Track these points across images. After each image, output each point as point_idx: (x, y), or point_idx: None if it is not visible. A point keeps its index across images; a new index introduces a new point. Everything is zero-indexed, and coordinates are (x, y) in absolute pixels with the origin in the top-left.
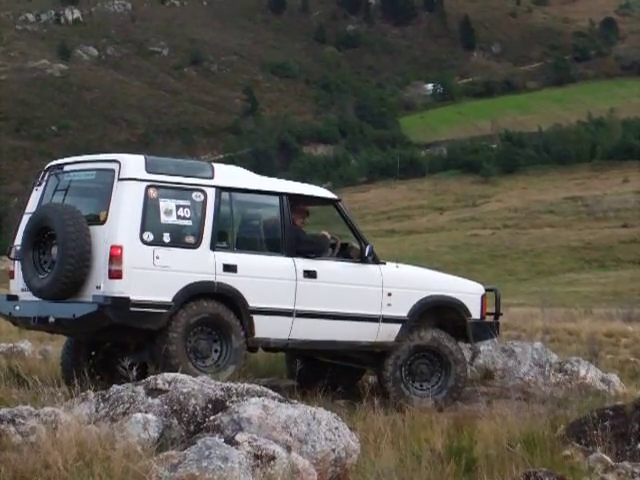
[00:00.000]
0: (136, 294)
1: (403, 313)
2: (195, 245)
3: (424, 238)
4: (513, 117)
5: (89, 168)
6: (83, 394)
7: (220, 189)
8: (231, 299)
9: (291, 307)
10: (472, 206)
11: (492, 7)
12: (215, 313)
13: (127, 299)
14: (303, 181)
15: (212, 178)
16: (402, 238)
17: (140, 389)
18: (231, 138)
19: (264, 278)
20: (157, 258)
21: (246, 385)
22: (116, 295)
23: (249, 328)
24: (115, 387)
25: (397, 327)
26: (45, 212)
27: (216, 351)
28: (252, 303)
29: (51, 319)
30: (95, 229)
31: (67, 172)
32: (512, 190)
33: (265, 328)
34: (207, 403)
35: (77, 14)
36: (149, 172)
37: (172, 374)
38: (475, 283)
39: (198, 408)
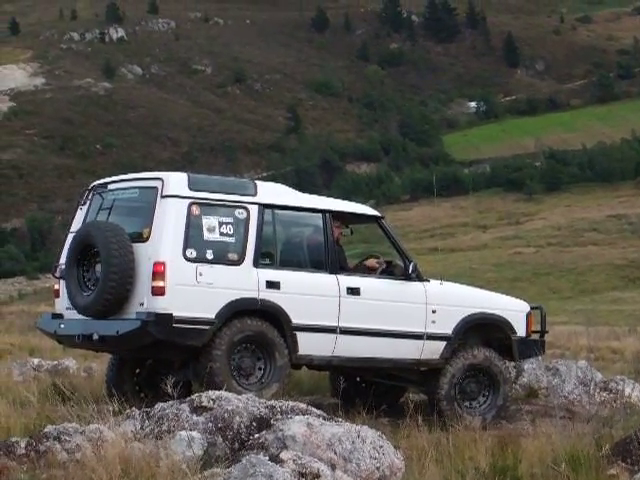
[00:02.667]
0: (179, 310)
1: (448, 330)
2: (238, 262)
3: (467, 256)
4: (557, 135)
5: (133, 186)
6: (128, 411)
7: (263, 206)
8: (274, 316)
9: (334, 324)
10: (515, 224)
11: (536, 25)
12: (259, 330)
13: (170, 315)
14: (346, 199)
15: (255, 195)
16: (445, 256)
17: (185, 407)
18: (274, 156)
19: (307, 295)
20: (200, 275)
21: (290, 403)
22: (159, 311)
23: (292, 345)
24: (160, 405)
25: (442, 344)
26: (88, 230)
27: (260, 369)
28: (295, 320)
29: (95, 336)
30: (138, 246)
31: (111, 191)
32: (556, 208)
33: (308, 345)
34: (252, 421)
35: (121, 33)
36: (192, 189)
37: (217, 392)
38: (520, 301)
39: (243, 426)
